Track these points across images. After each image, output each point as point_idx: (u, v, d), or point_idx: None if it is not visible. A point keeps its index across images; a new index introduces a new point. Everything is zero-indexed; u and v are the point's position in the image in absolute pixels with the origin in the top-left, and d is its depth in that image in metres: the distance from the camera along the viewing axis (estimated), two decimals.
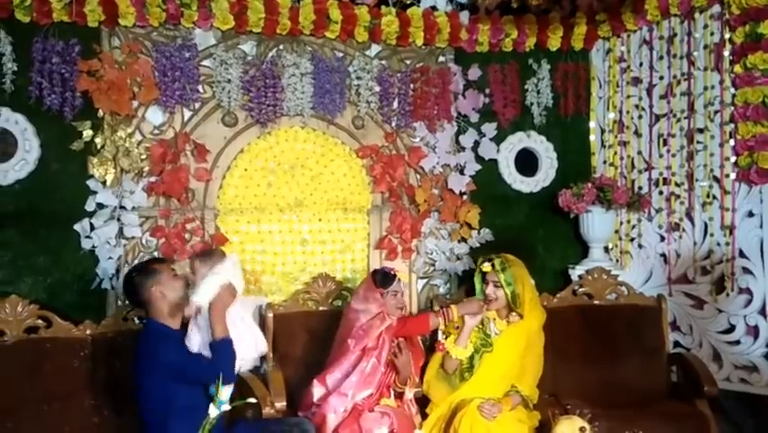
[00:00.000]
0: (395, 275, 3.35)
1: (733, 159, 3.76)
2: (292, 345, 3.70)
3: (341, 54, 4.14)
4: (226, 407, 2.71)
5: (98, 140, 3.65)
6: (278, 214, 4.03)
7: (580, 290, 4.10)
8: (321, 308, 3.88)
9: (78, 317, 3.38)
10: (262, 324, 3.76)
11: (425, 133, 4.30)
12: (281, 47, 3.99)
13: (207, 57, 3.87)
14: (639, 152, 4.34)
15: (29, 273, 3.53)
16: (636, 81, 4.35)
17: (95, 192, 3.66)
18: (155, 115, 3.80)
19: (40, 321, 3.26)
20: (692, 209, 4.00)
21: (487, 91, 4.39)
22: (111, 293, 3.68)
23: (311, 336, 3.70)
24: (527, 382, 3.33)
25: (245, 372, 3.16)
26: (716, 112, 3.86)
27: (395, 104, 4.23)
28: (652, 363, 3.81)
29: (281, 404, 3.20)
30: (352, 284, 3.97)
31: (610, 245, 4.50)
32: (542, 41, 4.44)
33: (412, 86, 4.25)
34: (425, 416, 3.40)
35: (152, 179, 3.76)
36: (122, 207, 3.70)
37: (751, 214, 3.73)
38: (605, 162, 4.57)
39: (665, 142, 4.16)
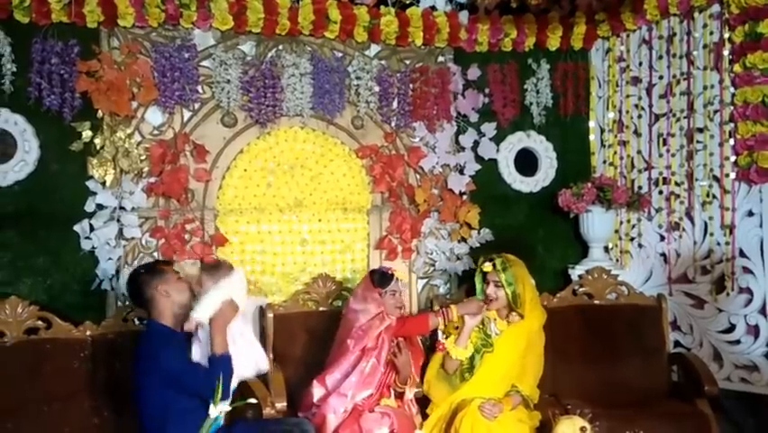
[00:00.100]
0: (392, 275, 3.35)
1: (733, 158, 3.76)
2: (292, 346, 3.70)
3: (340, 54, 4.13)
4: (226, 408, 2.73)
5: (98, 141, 3.65)
6: (278, 214, 4.03)
7: (581, 289, 4.10)
8: (321, 309, 3.88)
9: (78, 318, 3.39)
10: (262, 324, 3.78)
11: (424, 133, 4.30)
12: (280, 47, 3.99)
13: (207, 57, 3.87)
14: (639, 152, 4.34)
15: (29, 274, 3.53)
16: (636, 81, 4.35)
17: (94, 193, 3.65)
18: (154, 116, 3.80)
19: (39, 322, 3.26)
20: (692, 209, 4.00)
21: (486, 91, 4.39)
22: (111, 294, 3.67)
23: (311, 336, 3.70)
24: (528, 382, 3.33)
25: None
26: (715, 111, 3.86)
27: (394, 104, 4.23)
28: (652, 362, 3.81)
29: (281, 404, 3.19)
30: (352, 284, 3.96)
31: (610, 245, 4.50)
32: (541, 40, 4.43)
33: (411, 86, 4.25)
34: (425, 416, 3.40)
35: (152, 179, 3.76)
36: (121, 208, 3.69)
37: (751, 213, 3.73)
38: (605, 162, 4.56)
39: (665, 142, 4.16)
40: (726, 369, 3.79)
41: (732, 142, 3.76)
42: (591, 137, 4.65)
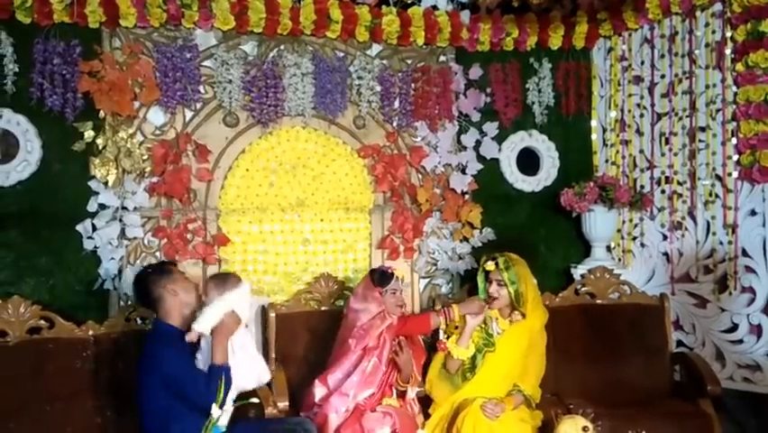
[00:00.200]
0: (392, 273, 3.35)
1: (735, 157, 3.76)
2: (294, 345, 3.70)
3: (342, 54, 4.13)
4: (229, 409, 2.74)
5: (100, 141, 3.66)
6: (280, 214, 4.03)
7: (583, 289, 4.10)
8: (323, 308, 3.88)
9: (81, 317, 3.40)
10: (265, 324, 3.78)
11: (426, 133, 4.30)
12: (282, 47, 3.99)
13: (208, 57, 3.87)
14: (641, 151, 4.33)
15: (31, 274, 3.54)
16: (638, 80, 4.34)
17: (96, 193, 3.66)
18: (156, 116, 3.80)
19: (42, 322, 3.27)
20: (695, 208, 4.00)
21: (488, 90, 4.38)
22: (113, 294, 3.68)
23: (313, 335, 3.70)
24: (530, 382, 3.33)
25: None
26: (717, 110, 3.85)
27: (396, 103, 4.23)
28: (654, 362, 3.81)
29: (284, 404, 3.20)
30: (354, 284, 3.95)
31: (612, 244, 4.50)
32: (543, 39, 4.43)
33: (413, 85, 4.25)
34: (427, 416, 3.39)
35: (154, 179, 3.77)
36: (124, 208, 3.70)
37: (753, 212, 3.72)
38: (607, 161, 4.56)
39: (667, 141, 4.15)
40: (729, 369, 3.79)
41: (734, 141, 3.75)
42: (593, 136, 4.64)
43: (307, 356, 3.66)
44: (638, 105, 4.35)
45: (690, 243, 4.02)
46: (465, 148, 4.35)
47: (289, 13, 3.88)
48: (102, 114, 3.66)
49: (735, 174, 3.76)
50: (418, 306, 4.27)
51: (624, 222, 4.42)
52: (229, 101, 3.87)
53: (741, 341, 3.76)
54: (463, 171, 4.34)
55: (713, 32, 3.85)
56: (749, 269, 3.72)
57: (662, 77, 4.18)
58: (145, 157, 3.74)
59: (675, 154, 4.10)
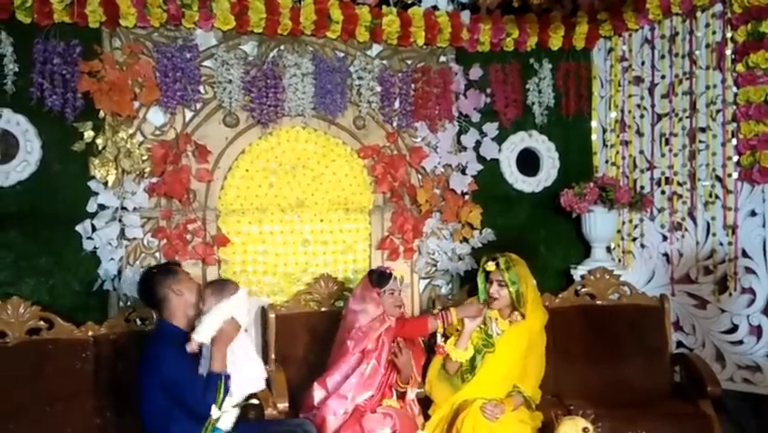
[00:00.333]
0: (391, 274, 3.34)
1: (735, 158, 3.76)
2: (294, 346, 3.70)
3: (342, 54, 4.13)
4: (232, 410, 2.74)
5: (100, 141, 3.65)
6: (280, 214, 4.03)
7: (583, 290, 4.10)
8: (323, 309, 3.88)
9: (80, 318, 3.40)
10: (264, 325, 3.78)
11: (426, 133, 4.30)
12: (282, 47, 3.99)
13: (208, 57, 3.87)
14: (641, 152, 4.33)
15: (31, 275, 3.53)
16: (638, 80, 4.34)
17: (96, 193, 3.66)
18: (156, 116, 3.80)
19: (41, 323, 3.27)
20: (695, 209, 4.00)
21: (488, 91, 4.38)
22: (113, 294, 3.68)
23: (313, 336, 3.70)
24: (529, 383, 3.32)
25: None
26: (718, 111, 3.85)
27: (396, 104, 4.23)
28: (655, 363, 3.81)
29: (283, 405, 3.20)
30: (354, 285, 3.94)
31: (612, 245, 4.49)
32: (543, 40, 4.43)
33: (413, 86, 4.25)
34: (427, 417, 3.39)
35: (154, 179, 3.76)
36: (123, 208, 3.70)
37: (753, 213, 3.72)
38: (607, 162, 4.56)
39: (667, 142, 4.15)
40: (729, 370, 3.79)
41: (734, 141, 3.76)
42: (593, 137, 4.64)
43: (307, 357, 3.65)
44: (638, 106, 4.34)
45: (690, 244, 4.02)
46: (465, 148, 4.35)
47: (289, 13, 3.88)
48: (102, 114, 3.66)
49: (735, 175, 3.76)
50: (418, 306, 4.27)
51: (624, 223, 4.41)
52: (229, 101, 3.86)
53: (741, 342, 3.76)
54: (463, 172, 4.34)
55: (713, 32, 3.85)
56: (749, 270, 3.72)
57: (663, 77, 4.17)
58: (145, 157, 3.74)
59: (675, 155, 4.10)
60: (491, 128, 4.36)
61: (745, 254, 3.74)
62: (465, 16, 4.26)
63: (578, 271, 4.30)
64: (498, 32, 4.30)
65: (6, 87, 3.48)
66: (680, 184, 4.09)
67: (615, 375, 3.76)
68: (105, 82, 3.61)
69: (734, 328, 3.79)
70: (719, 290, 3.85)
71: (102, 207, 3.67)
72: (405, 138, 4.29)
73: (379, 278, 3.33)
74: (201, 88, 3.86)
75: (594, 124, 4.63)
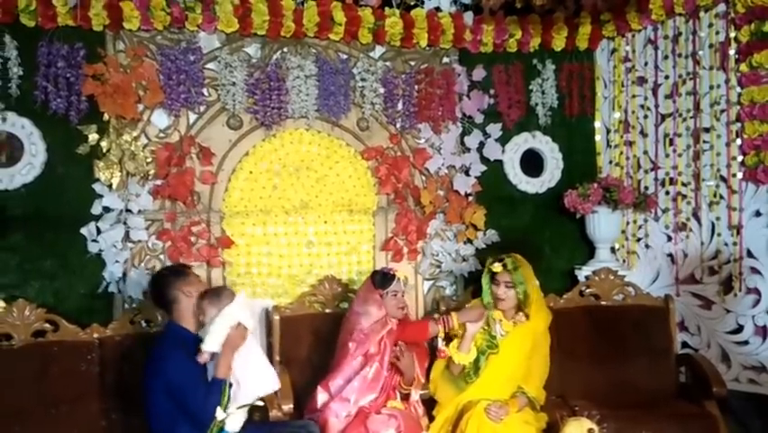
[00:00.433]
0: (394, 275, 3.33)
1: (740, 158, 3.75)
2: (298, 348, 3.70)
3: (345, 56, 4.13)
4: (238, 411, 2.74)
5: (104, 143, 3.66)
6: (284, 216, 4.03)
7: (587, 290, 4.09)
8: (327, 311, 3.88)
9: (85, 320, 3.41)
10: (269, 327, 3.78)
11: (429, 135, 4.30)
12: (285, 49, 3.99)
13: (212, 60, 3.87)
14: (645, 152, 4.33)
15: (36, 277, 3.54)
16: (642, 81, 4.34)
17: (101, 196, 3.66)
18: (160, 119, 3.80)
19: (47, 325, 3.28)
20: (699, 209, 3.99)
21: (491, 92, 4.38)
22: (118, 297, 3.68)
23: (317, 338, 3.69)
24: (534, 384, 3.32)
25: None
26: (722, 111, 3.85)
27: (399, 105, 4.23)
28: (660, 363, 3.80)
29: (288, 407, 3.20)
30: (358, 286, 3.94)
31: (617, 246, 4.49)
32: (546, 41, 4.43)
33: (416, 87, 4.25)
34: (431, 418, 3.38)
35: (158, 182, 3.77)
36: (128, 211, 3.70)
37: (758, 213, 3.71)
38: (611, 162, 4.55)
39: (671, 142, 4.15)
40: (734, 370, 3.78)
41: (739, 141, 3.75)
42: (597, 138, 4.64)
43: (312, 359, 3.65)
44: (642, 107, 4.34)
45: (695, 244, 4.01)
46: (469, 150, 4.35)
47: (293, 15, 3.88)
48: (106, 117, 3.66)
49: (739, 175, 3.76)
50: (422, 308, 4.27)
51: (628, 223, 4.41)
52: (232, 103, 3.87)
53: (746, 342, 3.75)
54: (467, 173, 4.34)
55: (717, 32, 3.85)
56: (754, 270, 3.72)
57: (666, 78, 4.17)
58: (149, 160, 3.75)
59: (679, 155, 4.10)
60: (495, 129, 4.37)
61: (750, 255, 3.74)
62: (468, 17, 4.26)
63: (582, 272, 4.30)
64: (501, 33, 4.30)
65: (11, 90, 3.48)
66: (684, 184, 4.08)
67: (620, 376, 3.75)
68: (108, 85, 3.61)
69: (739, 329, 3.79)
70: (724, 291, 3.85)
71: (106, 209, 3.67)
72: (408, 139, 4.29)
73: (382, 279, 3.33)
74: (205, 91, 3.86)
75: (598, 124, 4.63)
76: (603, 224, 4.27)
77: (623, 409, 3.41)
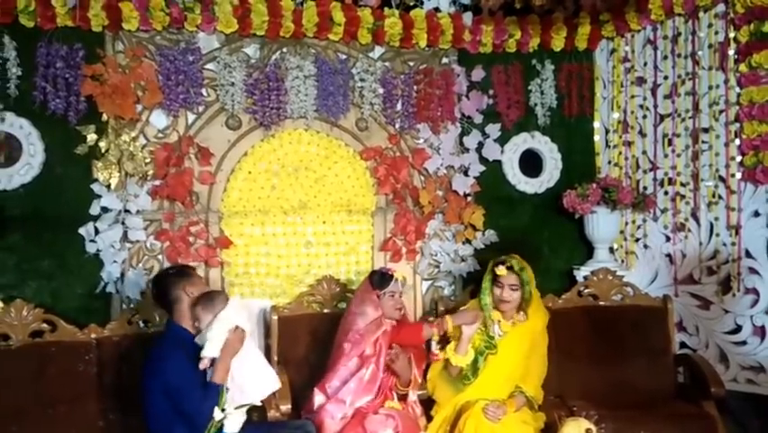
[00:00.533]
0: (392, 276, 3.33)
1: (738, 158, 3.75)
2: (296, 348, 3.70)
3: (344, 56, 4.13)
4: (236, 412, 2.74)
5: (102, 144, 3.66)
6: (283, 216, 4.03)
7: (586, 290, 4.09)
8: (325, 311, 3.87)
9: (83, 321, 3.41)
10: (267, 327, 3.78)
11: (428, 135, 4.30)
12: (284, 50, 3.99)
13: (211, 60, 3.87)
14: (644, 152, 4.33)
15: (34, 277, 3.54)
16: (641, 81, 4.34)
17: (99, 196, 3.66)
18: (159, 119, 3.81)
19: (45, 325, 3.28)
20: (698, 209, 3.99)
21: (490, 92, 4.38)
22: (116, 297, 3.68)
23: (315, 338, 3.69)
24: (532, 383, 3.32)
25: None
26: (721, 111, 3.85)
27: (398, 105, 4.23)
28: (658, 364, 3.80)
29: (286, 407, 3.19)
30: (357, 286, 3.95)
31: (615, 246, 4.49)
32: (545, 41, 4.43)
33: (415, 87, 4.25)
34: (430, 418, 3.38)
35: (157, 182, 3.77)
36: (126, 211, 3.70)
37: (757, 213, 3.71)
38: (609, 163, 4.55)
39: (670, 142, 4.15)
40: (733, 370, 3.78)
41: (738, 142, 3.75)
42: (596, 138, 4.64)
43: (310, 359, 3.65)
44: (641, 107, 4.34)
45: (694, 244, 4.01)
46: (467, 150, 4.35)
47: (292, 15, 3.89)
48: (105, 117, 3.66)
49: (738, 175, 3.76)
50: (421, 308, 4.27)
51: (627, 223, 4.41)
52: (231, 104, 3.87)
53: (745, 342, 3.75)
54: (466, 173, 4.34)
55: (716, 32, 3.85)
56: (752, 270, 3.72)
57: (665, 78, 4.17)
58: (148, 160, 3.75)
59: (678, 156, 4.10)
60: (494, 129, 4.37)
61: (748, 255, 3.74)
62: (467, 18, 4.26)
63: (581, 272, 4.30)
64: (500, 33, 4.30)
65: (10, 90, 3.49)
66: (683, 185, 4.08)
67: (618, 376, 3.75)
68: (107, 85, 3.62)
69: (737, 329, 3.78)
70: (723, 291, 3.85)
71: (105, 209, 3.68)
72: (407, 140, 4.29)
73: (380, 279, 3.33)
74: (203, 91, 3.86)
75: (597, 124, 4.63)
76: (602, 224, 4.27)
77: (621, 410, 3.40)
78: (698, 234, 3.99)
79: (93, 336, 3.32)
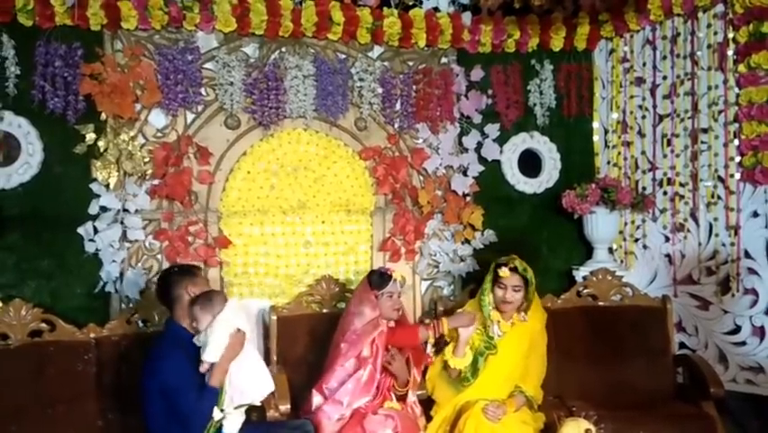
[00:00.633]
0: (390, 276, 3.32)
1: (737, 159, 3.75)
2: (296, 348, 3.69)
3: (343, 56, 4.13)
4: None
5: (101, 143, 3.66)
6: (282, 216, 4.03)
7: (585, 291, 4.09)
8: (324, 311, 3.87)
9: (82, 320, 3.40)
10: (266, 327, 3.77)
11: (427, 135, 4.30)
12: (284, 49, 3.99)
13: (210, 59, 3.87)
14: (643, 153, 4.33)
15: (33, 277, 3.53)
16: (640, 81, 4.34)
17: (98, 195, 3.66)
18: (158, 118, 3.80)
19: (44, 325, 3.27)
20: (697, 210, 3.99)
21: (489, 92, 4.38)
22: (114, 296, 3.68)
23: (314, 338, 3.69)
24: (531, 383, 3.33)
25: None
26: (720, 111, 3.85)
27: (397, 105, 4.23)
28: (657, 364, 3.80)
29: (285, 407, 3.19)
30: (355, 286, 3.95)
31: (614, 246, 4.49)
32: (544, 41, 4.43)
33: (414, 87, 4.25)
34: (429, 418, 3.38)
35: (155, 182, 3.76)
36: (125, 210, 3.70)
37: (756, 214, 3.71)
38: (608, 163, 4.55)
39: (669, 143, 4.15)
40: (732, 370, 3.78)
41: (737, 142, 3.75)
42: (595, 138, 4.64)
43: (308, 359, 3.64)
44: (640, 107, 4.34)
45: (693, 244, 4.02)
46: (466, 150, 4.35)
47: (291, 15, 3.88)
48: (103, 116, 3.66)
49: (737, 176, 3.76)
50: (420, 308, 4.27)
51: (626, 224, 4.41)
52: (230, 103, 3.86)
53: (744, 343, 3.75)
54: (465, 173, 4.34)
55: (715, 33, 3.85)
56: (752, 270, 3.72)
57: (664, 78, 4.17)
58: (146, 159, 3.74)
59: (677, 156, 4.10)
60: (493, 129, 4.37)
61: (747, 255, 3.74)
62: (466, 18, 4.26)
63: (580, 273, 4.30)
64: (499, 33, 4.30)
65: (8, 89, 3.49)
66: (682, 185, 4.08)
67: (617, 377, 3.75)
68: (106, 84, 3.61)
69: (736, 329, 3.79)
70: (722, 291, 3.85)
71: (104, 209, 3.67)
72: (406, 139, 4.29)
73: (378, 279, 3.32)
74: (202, 90, 3.86)
75: (596, 125, 4.63)
76: (601, 224, 4.27)
77: (620, 410, 3.40)
78: (697, 234, 4.00)
79: (92, 335, 3.31)
